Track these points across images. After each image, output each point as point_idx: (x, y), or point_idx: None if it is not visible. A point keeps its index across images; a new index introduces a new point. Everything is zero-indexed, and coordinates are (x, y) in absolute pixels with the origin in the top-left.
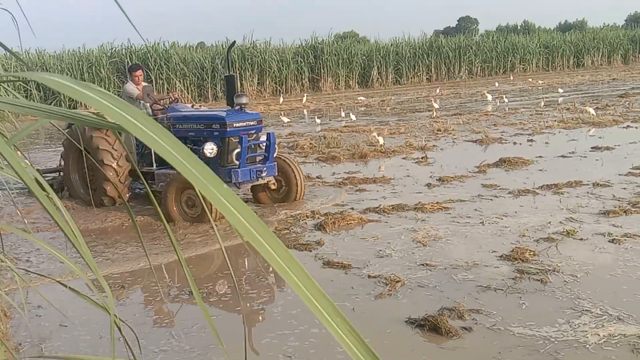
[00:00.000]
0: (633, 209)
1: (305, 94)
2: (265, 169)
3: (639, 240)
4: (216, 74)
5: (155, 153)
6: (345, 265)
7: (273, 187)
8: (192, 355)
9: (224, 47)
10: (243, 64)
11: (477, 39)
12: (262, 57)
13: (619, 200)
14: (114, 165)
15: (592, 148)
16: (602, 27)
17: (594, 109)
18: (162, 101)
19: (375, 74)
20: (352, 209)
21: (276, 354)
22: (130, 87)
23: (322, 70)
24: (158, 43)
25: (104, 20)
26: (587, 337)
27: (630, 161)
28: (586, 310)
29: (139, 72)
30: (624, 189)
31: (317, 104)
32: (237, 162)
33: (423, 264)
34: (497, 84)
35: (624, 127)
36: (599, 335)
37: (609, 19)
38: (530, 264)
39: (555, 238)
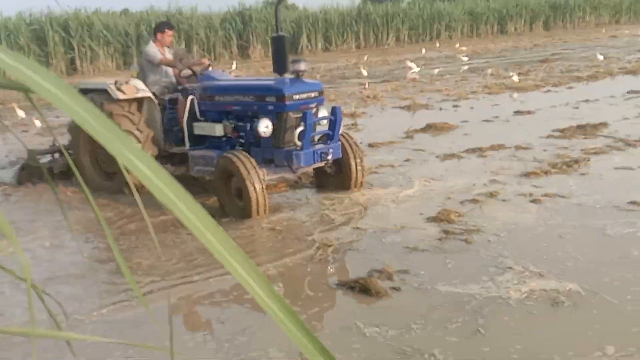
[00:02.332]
0: (553, 170)
1: (234, 61)
2: (331, 149)
3: (558, 200)
4: (141, 42)
5: (189, 130)
6: (276, 231)
7: (328, 170)
8: (125, 327)
9: (149, 14)
10: None
11: (404, 6)
12: (188, 24)
13: (539, 162)
14: None
15: (514, 112)
16: None
17: (517, 74)
18: (196, 68)
19: (304, 41)
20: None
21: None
22: (153, 49)
23: (251, 37)
24: (79, 10)
25: None
26: (510, 293)
27: (550, 124)
28: (509, 267)
29: (170, 32)
30: (545, 151)
31: (247, 71)
32: (298, 143)
33: (353, 228)
34: (423, 51)
35: (545, 92)
36: (520, 291)
37: None
38: (455, 224)
39: (479, 199)
